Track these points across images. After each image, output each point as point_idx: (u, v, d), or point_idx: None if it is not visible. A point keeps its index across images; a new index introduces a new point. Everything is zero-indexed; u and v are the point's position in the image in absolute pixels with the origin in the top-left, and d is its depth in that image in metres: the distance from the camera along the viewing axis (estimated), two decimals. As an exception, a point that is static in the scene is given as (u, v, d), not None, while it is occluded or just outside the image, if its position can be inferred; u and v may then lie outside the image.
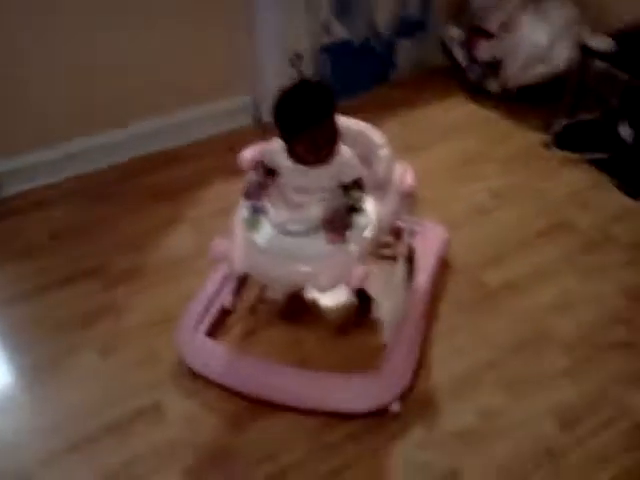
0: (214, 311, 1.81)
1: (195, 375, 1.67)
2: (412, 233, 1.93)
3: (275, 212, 1.50)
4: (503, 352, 1.73)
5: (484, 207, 2.22)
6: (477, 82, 2.79)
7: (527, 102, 2.69)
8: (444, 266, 1.98)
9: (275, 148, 1.53)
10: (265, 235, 1.48)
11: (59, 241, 2.15)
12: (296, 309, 1.85)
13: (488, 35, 2.71)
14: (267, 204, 1.52)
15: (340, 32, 2.64)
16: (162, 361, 1.73)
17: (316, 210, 1.47)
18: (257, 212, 1.51)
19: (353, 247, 1.47)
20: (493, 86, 2.77)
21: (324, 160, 1.46)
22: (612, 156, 2.35)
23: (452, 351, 1.74)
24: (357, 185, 1.49)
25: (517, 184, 2.31)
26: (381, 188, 1.60)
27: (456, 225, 2.13)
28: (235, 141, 2.53)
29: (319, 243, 1.45)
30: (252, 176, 1.57)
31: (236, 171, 2.37)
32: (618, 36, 2.32)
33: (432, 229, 2.01)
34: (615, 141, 2.38)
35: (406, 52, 2.91)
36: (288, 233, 1.46)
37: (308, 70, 2.62)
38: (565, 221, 2.15)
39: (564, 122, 2.46)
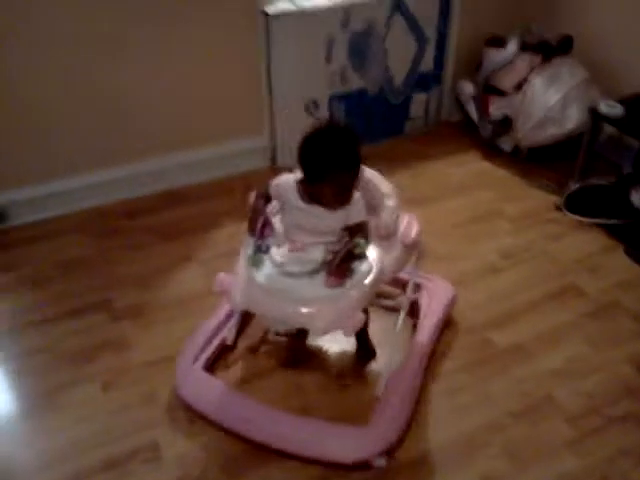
0: (214, 345, 1.81)
1: (192, 414, 1.66)
2: (418, 287, 1.93)
3: (276, 251, 1.51)
4: (506, 416, 1.71)
5: (493, 266, 2.22)
6: (489, 139, 2.82)
7: (539, 162, 2.71)
8: (450, 324, 1.97)
9: (288, 184, 1.53)
10: (266, 273, 1.49)
11: (67, 273, 2.15)
12: (297, 358, 1.84)
13: (501, 93, 2.75)
14: (270, 242, 1.53)
15: (355, 82, 2.68)
16: (162, 400, 1.72)
17: (318, 252, 1.48)
18: (260, 250, 1.53)
19: (353, 293, 1.46)
20: (505, 144, 2.80)
21: (344, 204, 1.48)
22: (624, 223, 2.36)
23: (453, 411, 1.72)
24: (361, 229, 1.50)
25: (527, 245, 2.31)
26: (386, 238, 1.62)
27: (465, 283, 2.13)
28: (250, 182, 2.58)
29: (318, 285, 1.45)
30: (256, 208, 1.57)
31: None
32: (628, 102, 2.36)
33: (439, 285, 2.01)
34: (627, 208, 2.40)
35: (420, 105, 2.95)
36: (288, 274, 1.47)
37: (323, 117, 2.65)
38: (574, 285, 2.14)
39: (576, 185, 2.48)
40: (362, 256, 1.51)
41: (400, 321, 1.78)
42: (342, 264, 1.46)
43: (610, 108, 2.33)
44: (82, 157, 2.37)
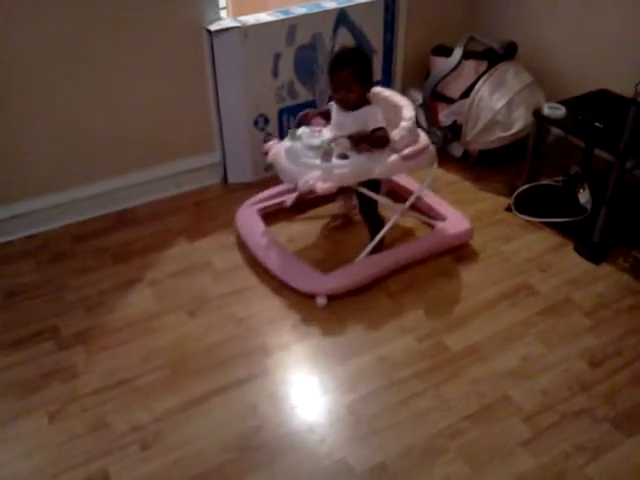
0: (274, 202, 2.43)
1: (146, 443, 1.62)
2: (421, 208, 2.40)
3: (303, 129, 2.09)
4: (463, 420, 1.70)
5: (447, 269, 2.23)
6: (439, 146, 2.84)
7: (489, 165, 2.74)
8: (405, 331, 1.97)
9: None
10: (291, 142, 2.05)
11: (13, 300, 2.09)
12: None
13: (449, 101, 2.78)
14: (308, 127, 2.11)
15: (304, 95, 2.69)
16: (112, 429, 1.67)
17: (328, 136, 2.04)
18: (299, 126, 2.13)
19: (328, 169, 1.96)
20: (456, 150, 2.83)
21: (343, 103, 2.05)
22: (572, 221, 2.39)
23: (409, 418, 1.70)
24: (374, 136, 2.01)
25: (479, 246, 2.32)
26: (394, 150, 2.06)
27: (417, 287, 2.14)
28: (201, 200, 2.58)
29: (315, 158, 1.98)
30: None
31: (200, 231, 2.39)
32: (571, 103, 2.40)
33: (454, 215, 2.33)
34: (574, 206, 2.43)
35: (371, 115, 2.96)
36: (303, 145, 2.01)
37: (273, 130, 2.65)
38: (527, 284, 2.16)
39: (524, 186, 2.50)
40: (345, 156, 2.00)
41: (390, 223, 2.20)
42: (358, 139, 2.00)
43: (553, 110, 2.37)
44: (28, 182, 2.33)
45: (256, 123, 2.61)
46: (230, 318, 2.02)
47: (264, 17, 2.49)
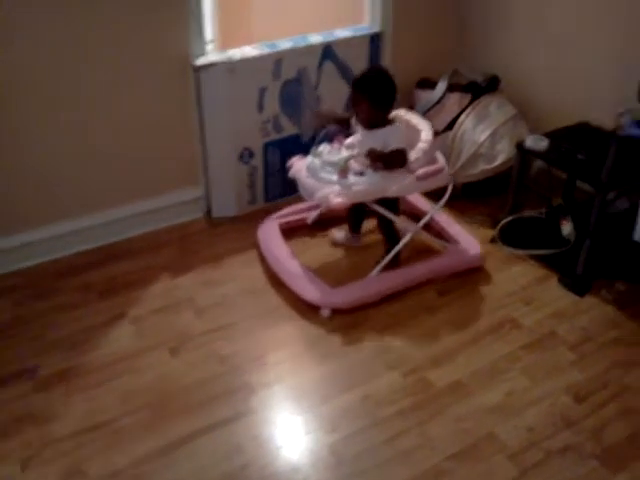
0: (296, 218, 2.56)
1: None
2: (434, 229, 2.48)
3: (324, 146, 2.17)
4: (447, 459, 1.68)
5: (431, 304, 2.22)
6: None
7: (474, 198, 2.75)
8: (389, 368, 1.95)
9: None
10: (312, 159, 2.15)
11: (-7, 339, 2.07)
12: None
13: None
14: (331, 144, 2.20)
15: (289, 128, 2.70)
16: (88, 473, 1.63)
17: (346, 154, 2.10)
18: (321, 143, 2.21)
19: (345, 186, 2.07)
20: (441, 182, 2.84)
21: (361, 121, 2.15)
22: (556, 253, 2.40)
23: (393, 458, 1.68)
24: (392, 156, 2.09)
25: (463, 280, 2.33)
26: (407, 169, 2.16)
27: (400, 322, 2.13)
28: (184, 235, 2.57)
29: (333, 174, 2.09)
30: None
31: (183, 266, 2.38)
32: (554, 135, 2.42)
33: (466, 239, 2.40)
34: (558, 238, 2.44)
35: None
36: (322, 161, 2.11)
37: (258, 164, 2.66)
38: (511, 318, 2.16)
39: (508, 218, 2.51)
40: (361, 174, 2.11)
41: (402, 242, 2.28)
42: (375, 157, 2.08)
43: (536, 142, 2.39)
44: (9, 218, 2.31)
45: (241, 157, 2.62)
46: (213, 356, 2.00)
47: (250, 51, 2.50)
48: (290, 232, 2.49)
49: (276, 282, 2.30)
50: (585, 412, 1.82)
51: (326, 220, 2.57)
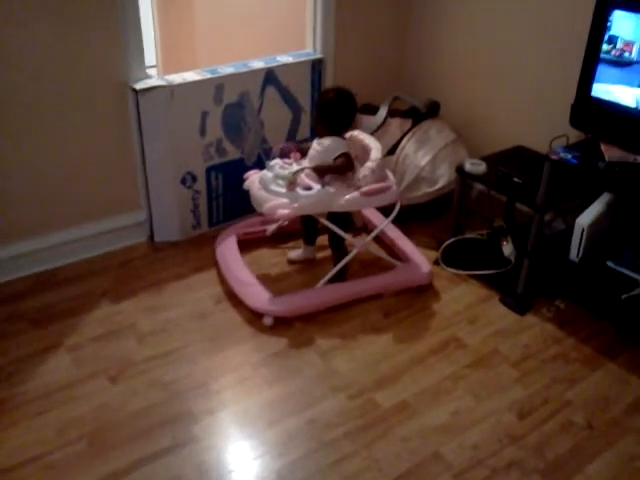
0: (256, 230, 2.64)
1: None
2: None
3: (277, 160, 2.24)
4: (396, 480, 1.67)
5: (376, 325, 2.22)
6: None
7: (417, 220, 2.79)
8: (335, 390, 1.94)
9: None
10: (264, 171, 2.22)
11: None
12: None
13: (376, 158, 2.84)
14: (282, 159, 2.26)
15: (232, 152, 2.69)
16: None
17: (295, 166, 2.20)
18: (274, 158, 2.28)
19: (292, 198, 2.14)
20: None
21: (317, 132, 2.32)
22: (497, 273, 2.45)
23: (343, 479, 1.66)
24: (330, 167, 2.22)
25: (408, 301, 2.34)
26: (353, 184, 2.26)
27: (347, 344, 2.12)
28: (126, 260, 2.51)
29: (282, 187, 2.16)
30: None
31: (124, 292, 2.32)
32: (491, 159, 2.49)
33: (414, 259, 2.44)
34: (499, 258, 2.50)
35: (301, 172, 2.99)
36: (274, 174, 2.17)
37: (201, 188, 2.63)
38: (455, 337, 2.18)
39: (451, 240, 2.56)
40: (309, 188, 2.18)
41: (348, 257, 2.33)
42: (322, 170, 2.22)
43: (475, 166, 2.45)
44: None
45: (184, 181, 2.58)
46: (154, 383, 1.94)
47: (191, 76, 2.50)
48: (249, 243, 2.59)
49: (220, 307, 2.27)
50: (528, 428, 1.85)
51: (286, 233, 2.64)
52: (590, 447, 1.80)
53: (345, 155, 2.24)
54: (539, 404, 1.93)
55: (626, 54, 2.05)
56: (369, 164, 2.24)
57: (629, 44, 2.03)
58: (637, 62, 2.04)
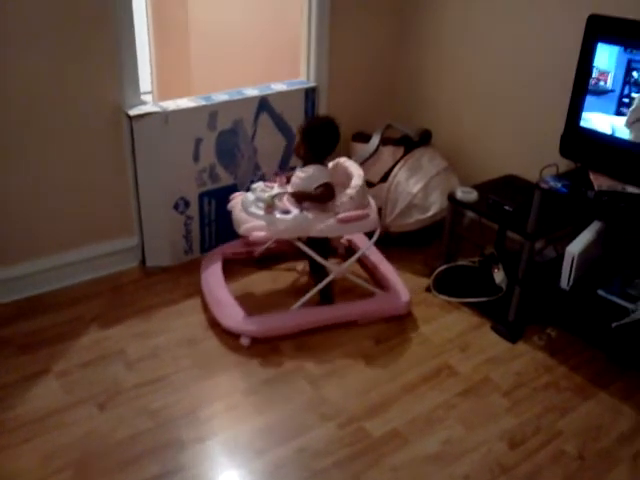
0: (243, 251, 2.67)
1: None
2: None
3: (259, 183, 2.32)
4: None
5: (367, 353, 2.21)
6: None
7: (409, 247, 2.80)
8: (325, 418, 1.92)
9: None
10: (247, 194, 2.27)
11: None
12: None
13: (368, 185, 2.85)
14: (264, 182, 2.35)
15: (225, 179, 2.71)
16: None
17: (276, 190, 2.27)
18: (258, 182, 2.35)
19: (269, 221, 2.17)
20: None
21: (299, 157, 2.34)
22: (489, 300, 2.45)
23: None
24: (310, 195, 2.24)
25: (399, 328, 2.34)
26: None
27: (337, 371, 2.11)
28: (117, 285, 2.50)
29: (260, 209, 2.19)
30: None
31: (114, 317, 2.31)
32: (483, 187, 2.51)
33: (397, 286, 2.43)
34: (490, 285, 2.50)
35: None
36: (255, 197, 2.22)
37: (194, 214, 2.64)
38: (447, 365, 2.17)
39: (443, 267, 2.56)
40: (287, 212, 2.20)
41: (323, 283, 2.34)
42: (300, 197, 2.24)
43: (466, 194, 2.47)
44: None
45: (176, 207, 2.59)
46: (143, 410, 1.92)
47: (185, 103, 2.52)
48: (238, 265, 2.63)
49: (210, 333, 2.26)
50: (520, 458, 1.83)
51: (273, 254, 2.67)
52: (581, 478, 1.78)
53: (325, 185, 2.24)
54: (530, 434, 1.92)
55: (601, 83, 2.10)
56: (348, 191, 2.25)
57: (604, 73, 2.09)
58: (611, 91, 2.09)
